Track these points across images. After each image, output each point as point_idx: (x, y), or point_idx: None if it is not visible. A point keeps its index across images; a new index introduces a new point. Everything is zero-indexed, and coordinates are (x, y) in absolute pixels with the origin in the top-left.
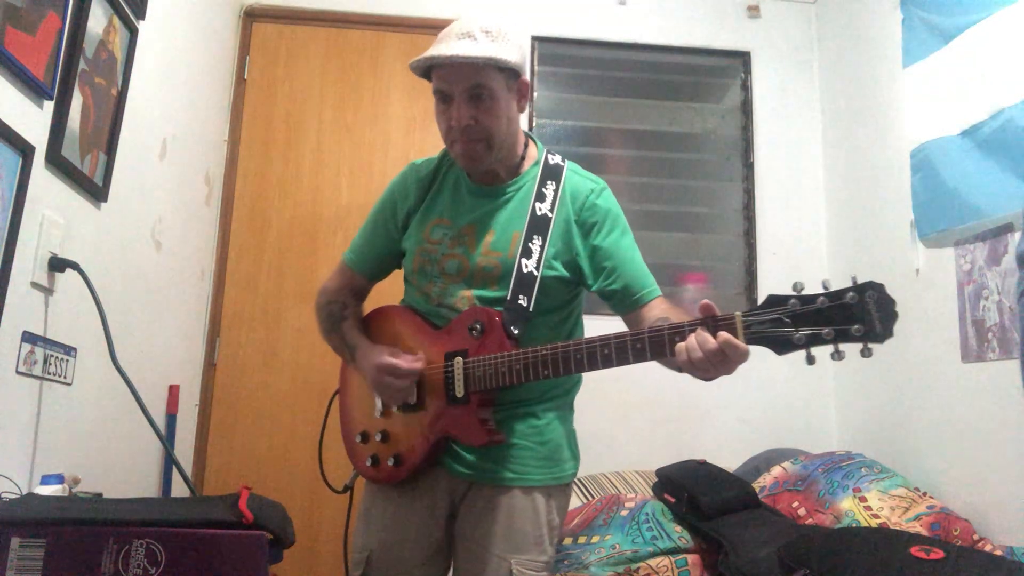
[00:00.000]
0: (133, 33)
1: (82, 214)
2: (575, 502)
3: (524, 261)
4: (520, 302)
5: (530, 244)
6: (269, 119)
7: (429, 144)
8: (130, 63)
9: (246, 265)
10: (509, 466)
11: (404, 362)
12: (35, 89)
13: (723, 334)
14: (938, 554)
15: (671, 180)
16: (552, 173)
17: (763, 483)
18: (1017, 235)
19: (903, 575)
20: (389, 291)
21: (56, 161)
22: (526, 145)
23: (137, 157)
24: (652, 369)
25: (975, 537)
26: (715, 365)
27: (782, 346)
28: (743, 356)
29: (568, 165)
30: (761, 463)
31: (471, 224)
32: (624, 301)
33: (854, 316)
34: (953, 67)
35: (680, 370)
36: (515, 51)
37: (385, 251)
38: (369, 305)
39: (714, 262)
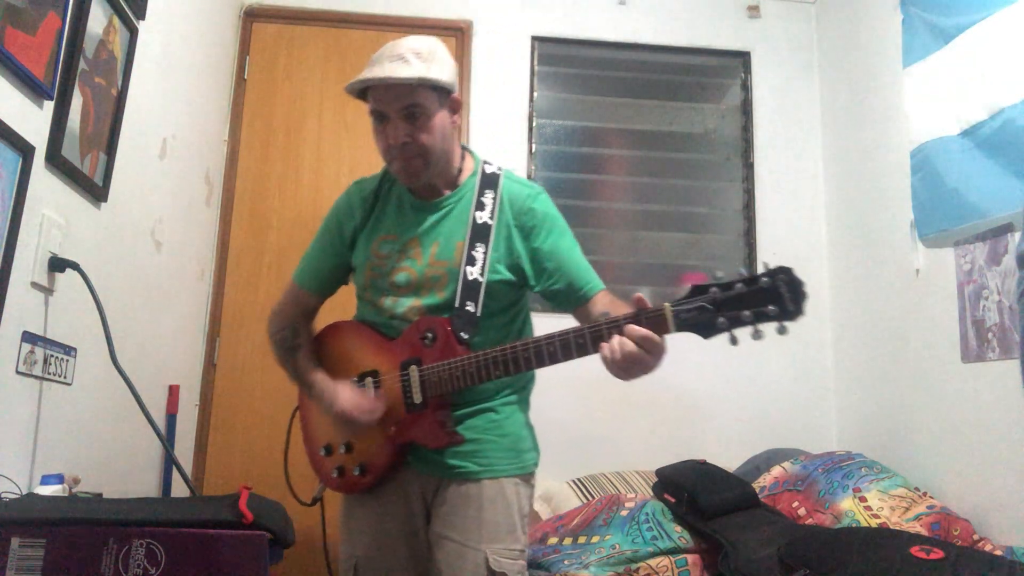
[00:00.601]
0: (133, 33)
1: (82, 214)
2: (575, 502)
3: (469, 269)
4: (468, 308)
5: (473, 252)
6: (269, 119)
7: None
8: (130, 63)
9: (246, 265)
10: (475, 460)
11: (361, 414)
12: (35, 89)
13: (635, 330)
14: (938, 554)
15: (671, 180)
16: (490, 182)
17: (763, 483)
18: (1017, 235)
19: (903, 575)
20: (340, 307)
21: (56, 161)
22: (463, 157)
23: (137, 157)
24: None
25: (975, 537)
26: (633, 363)
27: (708, 330)
28: (660, 349)
29: (504, 173)
30: (761, 463)
31: (416, 237)
32: (569, 299)
33: (769, 298)
34: (953, 67)
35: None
36: (446, 70)
37: (334, 268)
38: (321, 319)
39: (714, 262)
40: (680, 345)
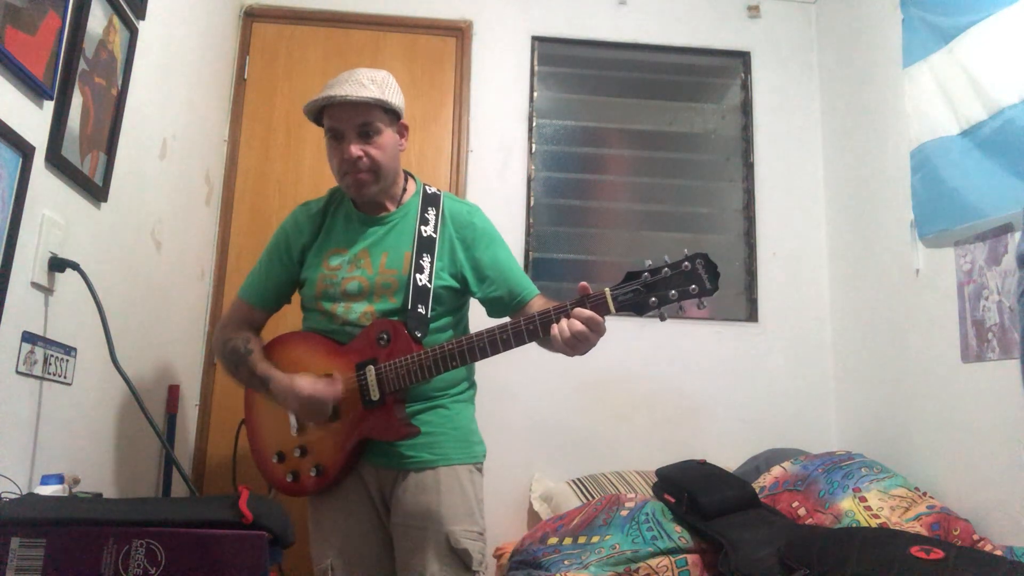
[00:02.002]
0: (133, 33)
1: (82, 214)
2: (575, 502)
3: (418, 276)
4: (419, 310)
5: (421, 261)
6: (269, 119)
7: (427, 145)
8: (130, 63)
9: (246, 265)
10: (429, 451)
11: (325, 391)
12: (35, 89)
13: (582, 312)
14: (938, 554)
15: (671, 180)
16: (431, 201)
17: (763, 483)
18: (1017, 235)
19: (903, 575)
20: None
21: (56, 161)
22: (406, 179)
23: (137, 157)
24: (652, 369)
25: (975, 537)
26: (581, 340)
27: (642, 309)
28: (599, 330)
29: (444, 194)
30: (761, 463)
31: (365, 248)
32: (508, 304)
33: (690, 279)
34: (953, 67)
35: (555, 349)
36: (397, 96)
37: (282, 283)
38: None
39: (714, 262)
40: (681, 345)
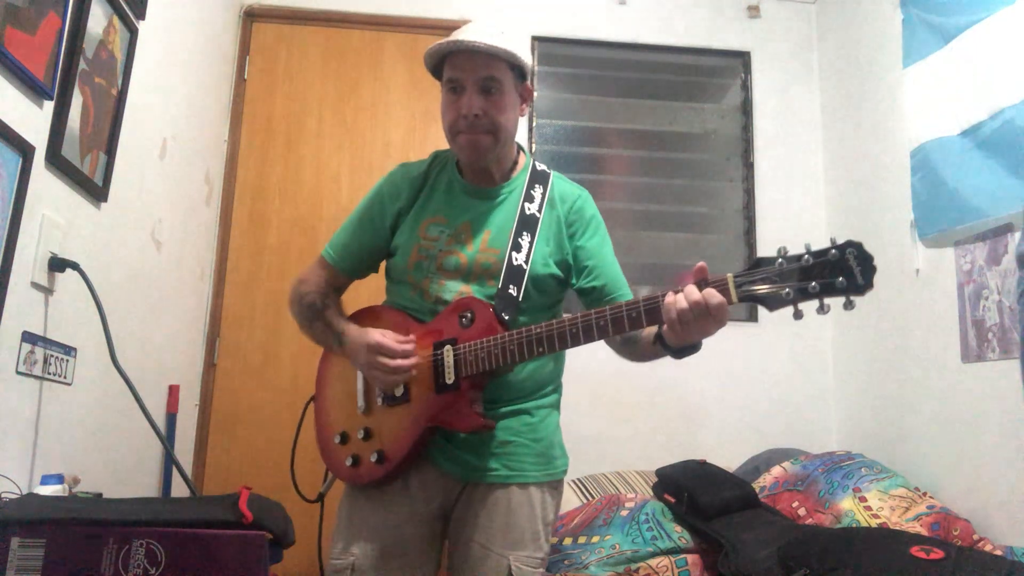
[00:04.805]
0: (133, 33)
1: (82, 214)
2: (575, 502)
3: (514, 255)
4: (510, 291)
5: (520, 239)
6: (269, 119)
7: (430, 144)
8: (130, 63)
9: (246, 265)
10: (505, 463)
11: (396, 342)
12: (35, 89)
13: (708, 289)
14: (938, 554)
15: (671, 180)
16: (540, 178)
17: (763, 483)
18: (1017, 235)
19: (903, 575)
20: (361, 295)
21: (56, 161)
22: (518, 152)
23: (137, 157)
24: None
25: (975, 537)
26: (697, 318)
27: (773, 302)
28: (723, 311)
29: (554, 174)
30: (761, 463)
31: (468, 222)
32: (600, 299)
33: (837, 270)
34: (953, 67)
35: (651, 348)
36: (525, 54)
37: (370, 249)
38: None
39: (714, 262)
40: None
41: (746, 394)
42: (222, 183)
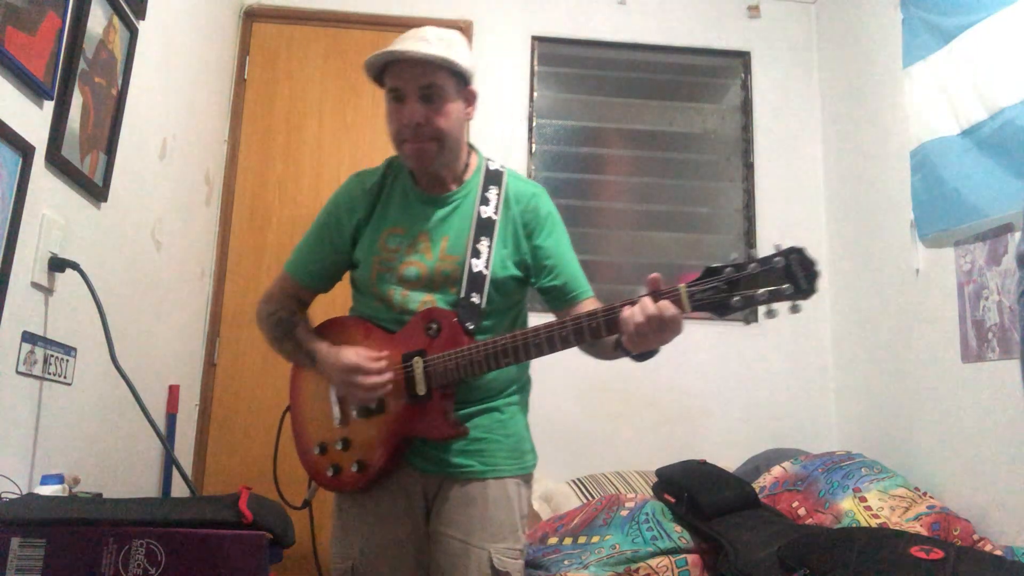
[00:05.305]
0: (133, 33)
1: (82, 214)
2: (575, 502)
3: (474, 261)
4: (473, 299)
5: (478, 245)
6: (269, 119)
7: None
8: (130, 63)
9: (246, 265)
10: (480, 460)
11: (370, 361)
12: (35, 89)
13: (662, 301)
14: (938, 554)
15: (671, 180)
16: (494, 179)
17: (763, 483)
18: (1017, 235)
19: (903, 575)
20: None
21: (56, 161)
22: (468, 154)
23: (137, 157)
24: (652, 369)
25: (975, 537)
26: (653, 330)
27: (723, 309)
28: (677, 323)
29: (507, 171)
30: (761, 463)
31: (425, 231)
32: (561, 298)
33: (783, 277)
34: (953, 67)
35: (613, 352)
36: (466, 58)
37: (332, 263)
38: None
39: (714, 262)
40: (681, 345)
41: (746, 394)
42: (222, 183)
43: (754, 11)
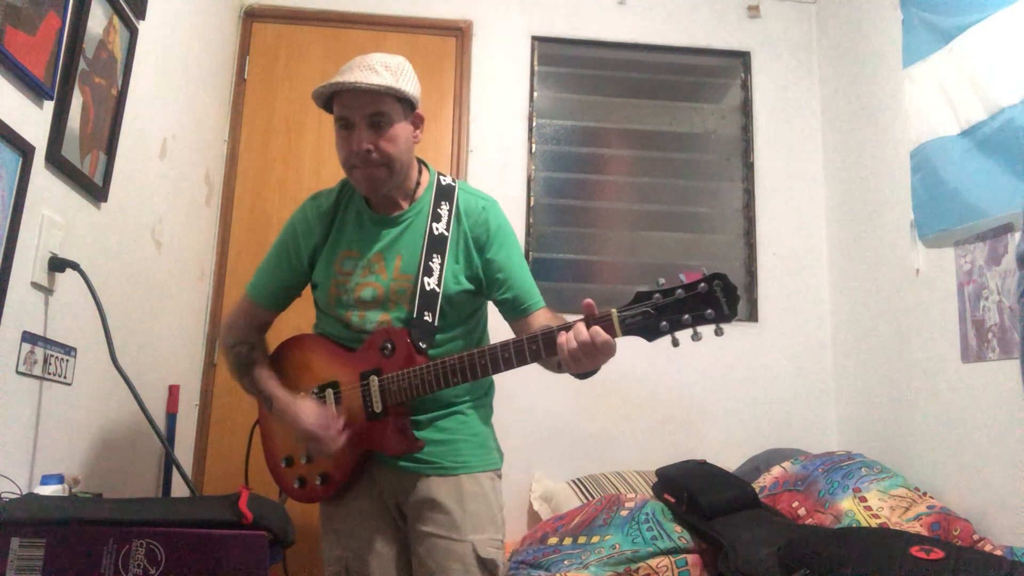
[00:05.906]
0: (133, 33)
1: (82, 214)
2: (575, 502)
3: (426, 279)
4: (425, 318)
5: (431, 263)
6: (269, 119)
7: (427, 144)
8: (130, 63)
9: (246, 265)
10: (450, 457)
11: (326, 432)
12: (35, 89)
13: (594, 328)
14: (938, 554)
15: (671, 180)
16: (445, 194)
17: (763, 483)
18: (1017, 235)
19: (903, 575)
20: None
21: (56, 161)
22: (420, 171)
23: (137, 157)
24: (652, 369)
25: (975, 537)
26: (587, 355)
27: (651, 333)
28: (609, 347)
29: (459, 184)
30: (761, 463)
31: (379, 252)
32: (514, 310)
33: (706, 303)
34: (953, 67)
35: (557, 369)
36: (412, 84)
37: (289, 285)
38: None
39: (714, 262)
40: (681, 345)
41: (746, 394)
42: (222, 183)
43: (754, 11)
